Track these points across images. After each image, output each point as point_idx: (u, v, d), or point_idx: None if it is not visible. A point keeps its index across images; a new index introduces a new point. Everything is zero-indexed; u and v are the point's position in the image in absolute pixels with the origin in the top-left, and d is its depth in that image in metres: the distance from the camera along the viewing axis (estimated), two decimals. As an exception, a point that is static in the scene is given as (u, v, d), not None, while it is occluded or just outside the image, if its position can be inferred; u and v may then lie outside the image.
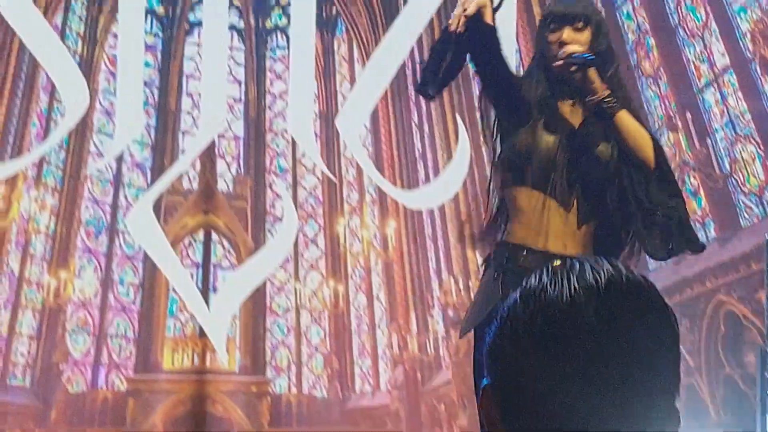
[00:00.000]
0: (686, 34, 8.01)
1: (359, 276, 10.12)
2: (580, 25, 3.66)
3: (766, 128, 7.59)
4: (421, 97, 9.25)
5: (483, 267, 3.68)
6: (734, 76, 7.75)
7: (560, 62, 3.51)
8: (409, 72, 9.49)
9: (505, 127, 3.64)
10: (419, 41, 9.35)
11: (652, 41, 8.14)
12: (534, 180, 3.62)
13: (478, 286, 3.59)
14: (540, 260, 3.50)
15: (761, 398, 6.14)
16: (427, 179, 9.11)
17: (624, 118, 3.51)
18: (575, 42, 3.67)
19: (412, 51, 9.35)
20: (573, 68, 3.51)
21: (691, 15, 7.98)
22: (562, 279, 1.23)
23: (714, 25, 7.83)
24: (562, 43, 3.65)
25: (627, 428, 1.19)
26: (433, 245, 9.12)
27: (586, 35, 3.67)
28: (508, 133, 3.66)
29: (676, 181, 3.59)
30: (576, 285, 1.21)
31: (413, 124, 9.50)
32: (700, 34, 7.91)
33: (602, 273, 1.22)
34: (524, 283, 1.26)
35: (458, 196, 9.03)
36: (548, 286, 1.23)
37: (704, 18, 7.89)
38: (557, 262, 1.30)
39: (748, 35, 7.64)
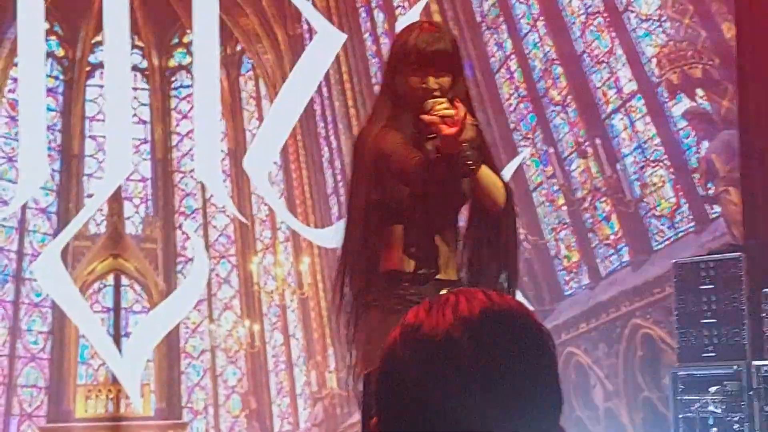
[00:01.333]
0: (592, 60, 7.88)
1: (275, 314, 9.85)
2: (443, 73, 3.45)
3: (675, 152, 7.51)
4: (331, 133, 8.97)
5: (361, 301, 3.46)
6: (642, 101, 7.64)
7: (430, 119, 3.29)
8: (317, 107, 9.22)
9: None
10: (326, 77, 9.10)
11: (559, 69, 7.97)
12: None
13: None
14: (433, 287, 3.37)
15: (674, 420, 6.04)
16: (340, 216, 8.83)
17: (482, 173, 3.39)
18: (440, 88, 3.44)
19: (319, 87, 9.08)
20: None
21: (597, 42, 7.86)
22: (437, 313, 1.22)
23: (620, 51, 7.71)
24: (427, 91, 3.44)
25: None
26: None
27: (445, 80, 3.46)
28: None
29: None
30: (451, 318, 1.21)
31: (324, 161, 9.23)
32: (606, 61, 7.79)
33: (475, 303, 1.22)
34: (402, 321, 1.26)
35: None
36: (424, 322, 1.22)
37: (610, 44, 7.77)
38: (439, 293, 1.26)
39: (654, 60, 7.55)
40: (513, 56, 8.12)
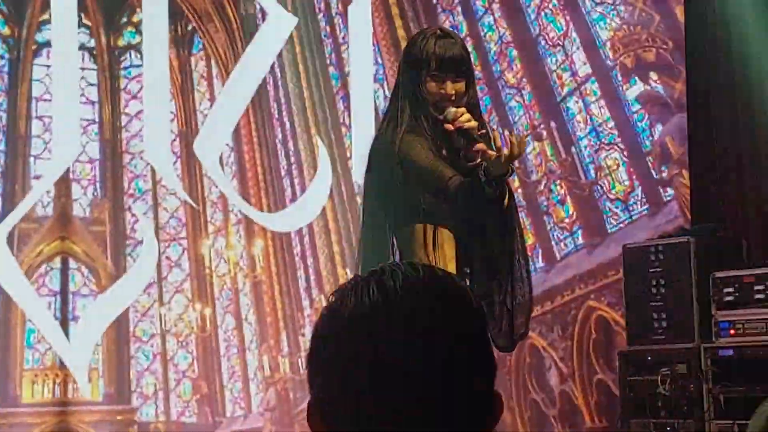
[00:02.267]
0: (548, 44, 8.10)
1: (227, 298, 9.99)
2: (460, 78, 3.76)
3: (629, 135, 7.75)
4: (284, 114, 9.13)
5: None
6: (596, 85, 7.87)
7: (455, 128, 3.59)
8: (270, 88, 9.38)
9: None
10: (280, 57, 9.26)
11: (514, 52, 8.21)
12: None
13: None
14: None
15: (623, 402, 6.31)
16: (294, 197, 9.02)
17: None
18: (456, 93, 3.75)
19: (273, 67, 9.25)
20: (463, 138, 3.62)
21: (552, 25, 8.08)
22: (362, 287, 1.25)
23: (575, 34, 7.94)
24: (444, 96, 3.75)
25: (445, 425, 1.21)
26: (303, 263, 9.05)
27: (461, 85, 3.78)
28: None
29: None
30: (375, 291, 1.23)
31: (277, 142, 9.40)
32: (561, 44, 8.02)
33: (401, 276, 1.24)
34: (330, 298, 1.29)
35: (326, 213, 8.96)
36: (349, 297, 1.26)
37: (564, 28, 8.00)
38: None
39: (608, 44, 7.77)
40: (468, 39, 8.31)
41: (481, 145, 3.64)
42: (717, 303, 6.15)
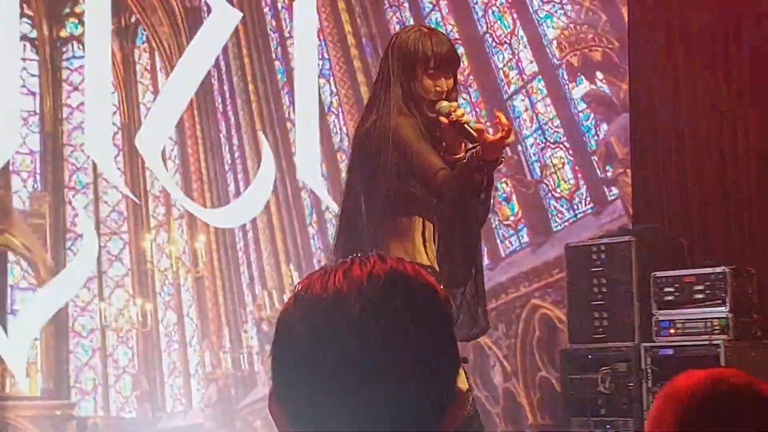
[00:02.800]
0: (495, 41, 8.22)
1: (168, 293, 10.02)
2: (452, 80, 3.91)
3: (574, 134, 7.87)
4: (229, 108, 9.15)
5: None
6: (542, 83, 7.99)
7: (449, 124, 3.73)
8: (215, 82, 9.42)
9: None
10: (224, 51, 9.30)
11: (461, 49, 8.30)
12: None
13: None
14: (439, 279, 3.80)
15: (565, 400, 6.46)
16: (238, 192, 9.07)
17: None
18: (447, 88, 3.89)
19: (217, 61, 9.29)
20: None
21: (499, 23, 8.19)
22: (329, 276, 1.27)
23: (521, 33, 8.05)
24: (439, 93, 3.90)
25: (402, 417, 1.22)
26: (246, 259, 9.11)
27: (451, 81, 3.93)
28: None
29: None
30: (342, 279, 1.25)
31: (221, 137, 9.44)
32: (508, 42, 8.13)
33: (368, 266, 1.26)
34: (297, 286, 1.30)
35: (270, 209, 9.02)
36: (315, 285, 1.27)
37: (512, 26, 8.11)
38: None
39: (555, 42, 7.89)
40: None
41: (479, 126, 3.76)
42: (657, 302, 6.30)
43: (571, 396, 6.33)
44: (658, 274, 6.33)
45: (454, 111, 3.87)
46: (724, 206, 6.57)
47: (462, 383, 3.84)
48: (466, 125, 3.83)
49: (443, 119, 3.83)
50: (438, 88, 3.92)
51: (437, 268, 3.95)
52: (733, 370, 1.84)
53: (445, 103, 3.89)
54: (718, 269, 6.18)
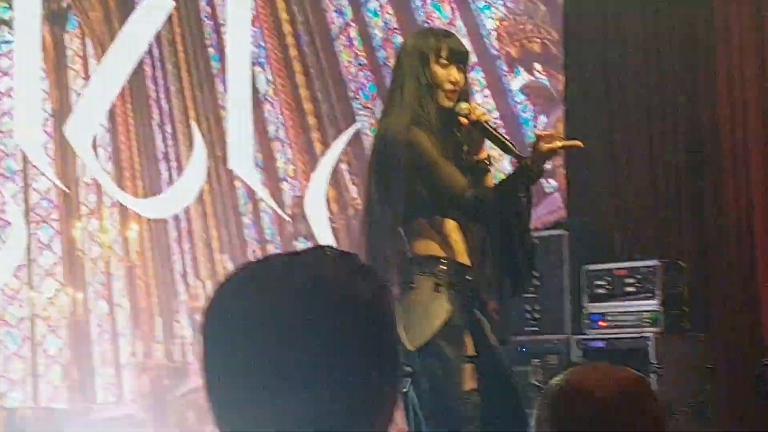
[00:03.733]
0: (433, 31, 8.31)
1: (99, 282, 10.05)
2: (463, 71, 4.07)
3: (513, 125, 7.99)
4: (162, 96, 9.19)
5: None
6: (481, 74, 8.12)
7: (483, 124, 3.89)
8: (148, 69, 9.46)
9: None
10: (157, 38, 9.34)
11: (399, 39, 8.44)
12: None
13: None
14: (462, 272, 3.96)
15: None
16: (171, 181, 9.13)
17: (489, 179, 4.03)
18: (458, 83, 4.05)
19: (150, 47, 9.33)
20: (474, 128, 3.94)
21: (437, 12, 8.31)
22: (253, 273, 1.28)
23: (460, 23, 8.17)
24: (450, 80, 4.05)
25: (332, 415, 1.22)
26: (179, 249, 9.17)
27: (462, 76, 4.08)
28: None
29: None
30: (266, 276, 1.25)
31: (154, 124, 9.49)
32: (447, 31, 8.22)
33: (295, 262, 1.26)
34: (223, 281, 1.30)
35: (204, 198, 9.10)
36: (239, 280, 1.27)
37: (450, 15, 8.23)
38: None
39: (494, 33, 8.01)
40: (353, 23, 8.50)
41: (552, 134, 3.97)
42: (589, 295, 6.45)
43: (503, 388, 6.44)
44: (590, 267, 6.45)
45: (473, 111, 4.01)
46: (655, 200, 6.72)
47: (469, 383, 3.99)
48: (485, 124, 3.99)
49: (463, 119, 3.97)
50: (451, 78, 4.05)
51: (470, 264, 4.11)
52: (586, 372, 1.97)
53: (464, 104, 4.03)
54: (649, 263, 6.30)
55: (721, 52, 6.50)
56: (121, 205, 9.78)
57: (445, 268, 4.02)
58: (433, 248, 4.04)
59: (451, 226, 4.10)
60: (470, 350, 4.00)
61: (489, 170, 4.11)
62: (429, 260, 4.04)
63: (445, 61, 4.03)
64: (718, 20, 6.52)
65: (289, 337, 1.21)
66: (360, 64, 8.46)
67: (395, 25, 8.37)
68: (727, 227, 6.42)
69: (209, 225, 9.31)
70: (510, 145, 4.05)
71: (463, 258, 4.08)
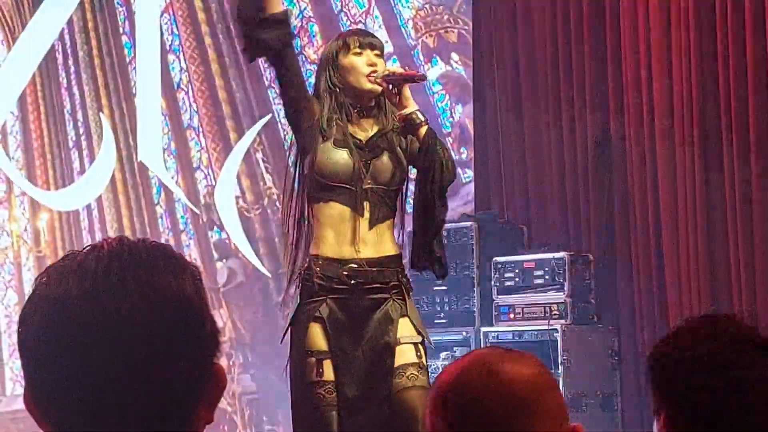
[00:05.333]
0: (349, 20, 8.45)
1: (9, 272, 10.07)
2: (378, 52, 4.29)
3: (429, 116, 7.97)
4: (74, 83, 9.23)
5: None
6: (398, 64, 8.25)
7: (391, 75, 4.15)
8: (59, 56, 9.51)
9: (299, 149, 4.27)
10: (70, 24, 9.38)
11: (315, 27, 8.55)
12: (333, 193, 4.22)
13: None
14: (333, 266, 4.15)
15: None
16: (83, 169, 9.19)
17: (428, 129, 4.26)
18: (375, 64, 4.29)
19: (62, 34, 9.37)
20: (396, 83, 4.22)
21: (354, 2, 8.44)
22: (62, 270, 1.28)
23: (377, 12, 8.31)
24: (372, 64, 4.29)
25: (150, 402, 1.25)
26: (90, 237, 9.24)
27: (381, 61, 4.31)
28: (302, 154, 4.27)
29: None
30: (73, 273, 1.26)
31: (66, 112, 9.54)
32: (363, 21, 8.37)
33: (100, 258, 1.26)
34: (35, 279, 1.31)
35: (116, 186, 9.17)
36: (49, 280, 1.28)
37: (366, 5, 8.37)
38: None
39: (411, 23, 8.16)
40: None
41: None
42: (497, 287, 6.65)
43: (412, 380, 6.58)
44: (499, 259, 6.66)
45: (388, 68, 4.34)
46: (563, 193, 6.92)
47: (408, 357, 4.17)
48: (397, 72, 4.32)
49: (373, 86, 4.23)
50: (368, 61, 4.31)
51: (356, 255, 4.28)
52: (483, 354, 1.92)
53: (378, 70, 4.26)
54: (558, 255, 6.54)
55: (627, 39, 6.68)
56: (31, 194, 9.80)
57: (306, 264, 4.26)
58: (310, 244, 4.29)
59: (332, 214, 4.27)
60: (317, 344, 4.20)
61: (422, 123, 4.34)
62: (304, 257, 4.33)
63: (358, 50, 4.26)
64: (624, 5, 6.69)
65: (100, 335, 1.24)
66: None
67: (310, 14, 8.50)
68: (634, 220, 6.62)
69: (122, 214, 9.39)
70: (416, 74, 4.57)
71: (341, 251, 4.26)
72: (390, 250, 4.31)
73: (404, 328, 4.26)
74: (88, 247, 1.31)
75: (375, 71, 4.25)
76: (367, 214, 4.26)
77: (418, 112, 4.33)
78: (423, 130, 4.32)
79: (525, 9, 7.15)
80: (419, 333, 4.29)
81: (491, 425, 1.75)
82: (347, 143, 4.22)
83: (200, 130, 9.02)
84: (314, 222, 4.31)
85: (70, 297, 1.26)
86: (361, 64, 4.26)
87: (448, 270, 4.60)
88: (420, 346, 4.29)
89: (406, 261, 4.46)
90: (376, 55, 4.32)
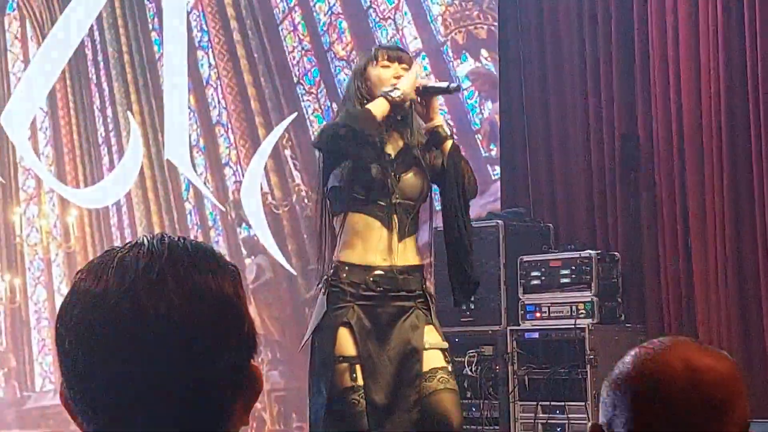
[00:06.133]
0: (378, 16, 8.49)
1: (38, 268, 10.16)
2: (405, 66, 4.40)
3: (458, 112, 8.17)
4: (103, 79, 9.29)
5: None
6: (427, 60, 8.29)
7: (424, 86, 4.26)
8: (89, 52, 9.59)
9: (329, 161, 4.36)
10: (99, 20, 9.46)
11: (344, 24, 8.60)
12: (361, 204, 4.32)
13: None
14: (360, 273, 4.24)
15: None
16: (112, 165, 9.28)
17: (453, 145, 4.34)
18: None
19: (91, 30, 9.46)
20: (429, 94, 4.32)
21: (383, -3, 8.48)
22: (103, 266, 1.29)
23: (406, 8, 8.34)
24: (397, 77, 4.39)
25: (188, 401, 1.26)
26: (120, 234, 9.33)
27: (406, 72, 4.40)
28: (334, 165, 4.37)
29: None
30: (113, 271, 1.27)
31: (95, 108, 9.63)
32: (392, 17, 8.40)
33: (143, 253, 1.29)
34: (76, 274, 1.31)
35: (145, 183, 9.26)
36: (90, 275, 1.29)
37: (395, 1, 8.40)
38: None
39: (440, 19, 8.20)
40: (297, 8, 8.64)
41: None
42: (524, 286, 6.68)
43: (437, 378, 6.62)
44: (525, 258, 6.68)
45: (402, 86, 4.40)
46: (590, 191, 6.93)
47: (437, 362, 4.24)
48: (428, 85, 4.42)
49: (396, 98, 4.32)
50: (395, 74, 4.42)
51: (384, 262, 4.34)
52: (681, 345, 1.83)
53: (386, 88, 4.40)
54: (584, 253, 6.54)
55: (656, 40, 6.70)
56: (60, 189, 9.87)
57: (333, 270, 4.35)
58: (335, 250, 4.38)
59: (363, 223, 4.33)
60: (349, 350, 4.28)
61: (448, 137, 4.47)
62: (328, 262, 4.41)
63: (386, 63, 4.37)
64: (652, 5, 6.70)
65: (140, 334, 1.26)
66: (304, 49, 8.62)
67: (339, 10, 8.55)
68: (661, 218, 6.64)
69: (151, 210, 9.46)
70: (447, 85, 4.65)
71: (370, 258, 4.31)
72: (415, 260, 4.40)
73: (431, 335, 4.34)
74: (129, 244, 1.32)
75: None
76: (394, 227, 4.33)
77: (444, 126, 4.41)
78: (448, 144, 4.40)
79: (551, 7, 7.17)
80: (444, 341, 4.40)
81: (683, 424, 1.71)
82: (378, 157, 4.29)
83: (229, 126, 9.09)
84: (342, 230, 4.37)
85: (109, 292, 1.26)
86: (388, 76, 4.35)
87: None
88: (447, 353, 4.38)
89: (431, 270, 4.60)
90: (404, 68, 4.41)
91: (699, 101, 6.48)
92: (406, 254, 4.38)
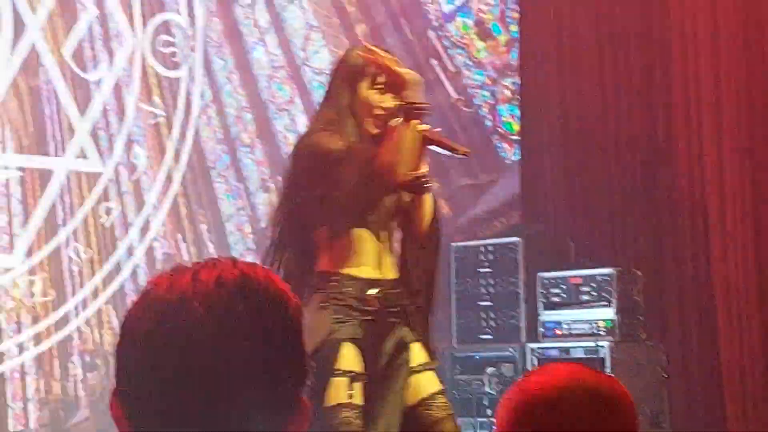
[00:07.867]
0: (276, 108, 8.81)
1: (12, 331, 10.10)
2: (398, 96, 4.19)
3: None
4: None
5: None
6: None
7: (433, 137, 4.09)
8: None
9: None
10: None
11: (249, 115, 8.90)
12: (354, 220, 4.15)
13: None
14: (361, 287, 4.06)
15: (451, 401, 6.79)
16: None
17: (427, 199, 4.22)
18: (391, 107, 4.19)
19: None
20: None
21: (280, 92, 8.74)
22: (178, 277, 1.33)
23: (298, 100, 8.62)
24: (385, 109, 4.19)
25: (245, 426, 1.28)
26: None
27: (395, 104, 4.19)
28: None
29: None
30: (189, 281, 1.32)
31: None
32: (287, 108, 8.73)
33: (217, 270, 1.33)
34: (146, 284, 1.35)
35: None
36: (162, 284, 1.33)
37: (290, 95, 8.67)
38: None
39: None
40: (212, 104, 8.84)
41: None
42: (544, 303, 6.69)
43: (457, 397, 6.56)
44: (545, 275, 6.68)
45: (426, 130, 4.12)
46: (611, 208, 6.98)
47: (433, 386, 4.09)
48: (442, 140, 4.21)
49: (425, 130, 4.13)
50: (384, 105, 4.14)
51: (381, 276, 4.24)
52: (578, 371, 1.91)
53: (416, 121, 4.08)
54: (605, 271, 6.54)
55: (676, 52, 6.82)
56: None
57: (335, 284, 4.13)
58: (326, 263, 4.17)
59: (358, 236, 4.23)
60: (351, 365, 4.06)
61: (427, 188, 4.24)
62: (321, 276, 4.16)
63: (381, 87, 4.19)
64: (674, 17, 6.83)
65: (212, 343, 1.29)
66: (217, 139, 8.79)
67: (246, 104, 8.79)
68: (682, 235, 6.70)
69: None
70: (454, 145, 4.28)
71: (368, 271, 4.22)
72: (397, 273, 4.29)
73: (419, 355, 4.20)
74: (199, 264, 1.36)
75: (383, 116, 4.19)
76: (386, 242, 4.26)
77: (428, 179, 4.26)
78: (428, 198, 4.29)
79: (571, 15, 7.27)
80: (432, 357, 4.27)
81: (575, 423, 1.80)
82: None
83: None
84: (339, 242, 4.21)
85: (185, 300, 1.31)
86: (375, 103, 4.19)
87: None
88: (436, 372, 4.27)
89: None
90: (395, 98, 4.26)
91: (720, 121, 6.59)
92: (394, 268, 4.30)
